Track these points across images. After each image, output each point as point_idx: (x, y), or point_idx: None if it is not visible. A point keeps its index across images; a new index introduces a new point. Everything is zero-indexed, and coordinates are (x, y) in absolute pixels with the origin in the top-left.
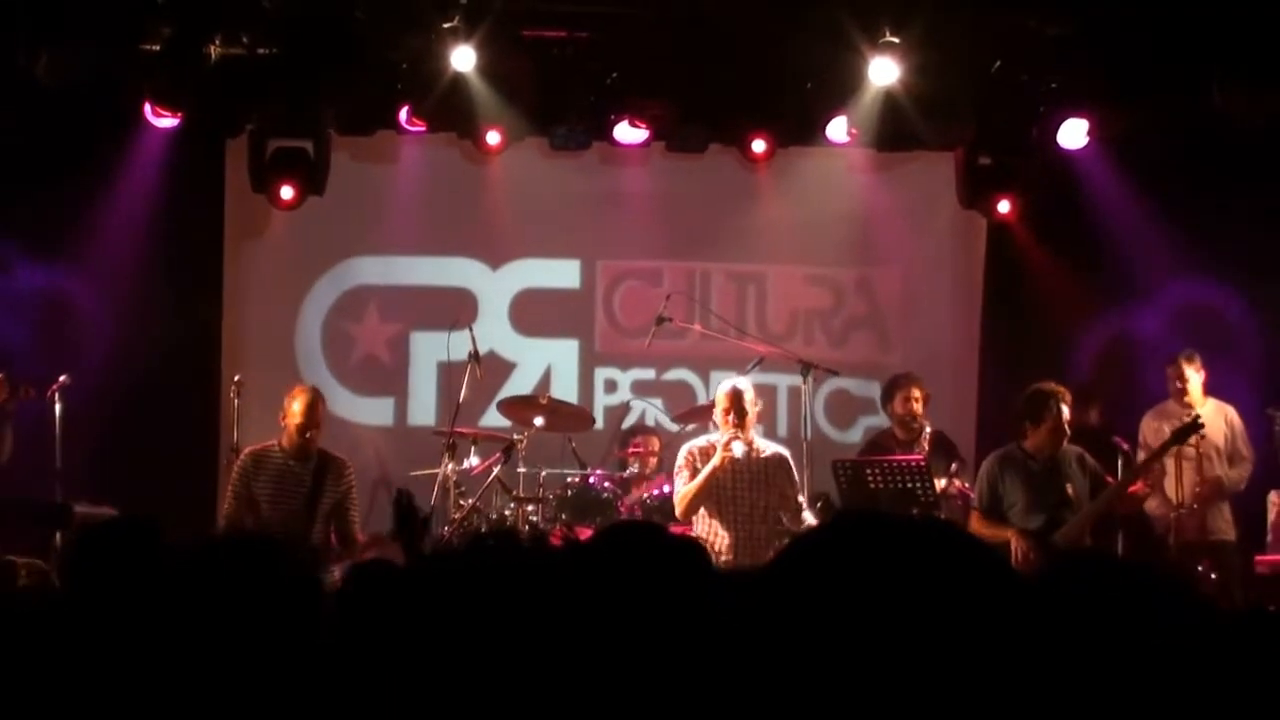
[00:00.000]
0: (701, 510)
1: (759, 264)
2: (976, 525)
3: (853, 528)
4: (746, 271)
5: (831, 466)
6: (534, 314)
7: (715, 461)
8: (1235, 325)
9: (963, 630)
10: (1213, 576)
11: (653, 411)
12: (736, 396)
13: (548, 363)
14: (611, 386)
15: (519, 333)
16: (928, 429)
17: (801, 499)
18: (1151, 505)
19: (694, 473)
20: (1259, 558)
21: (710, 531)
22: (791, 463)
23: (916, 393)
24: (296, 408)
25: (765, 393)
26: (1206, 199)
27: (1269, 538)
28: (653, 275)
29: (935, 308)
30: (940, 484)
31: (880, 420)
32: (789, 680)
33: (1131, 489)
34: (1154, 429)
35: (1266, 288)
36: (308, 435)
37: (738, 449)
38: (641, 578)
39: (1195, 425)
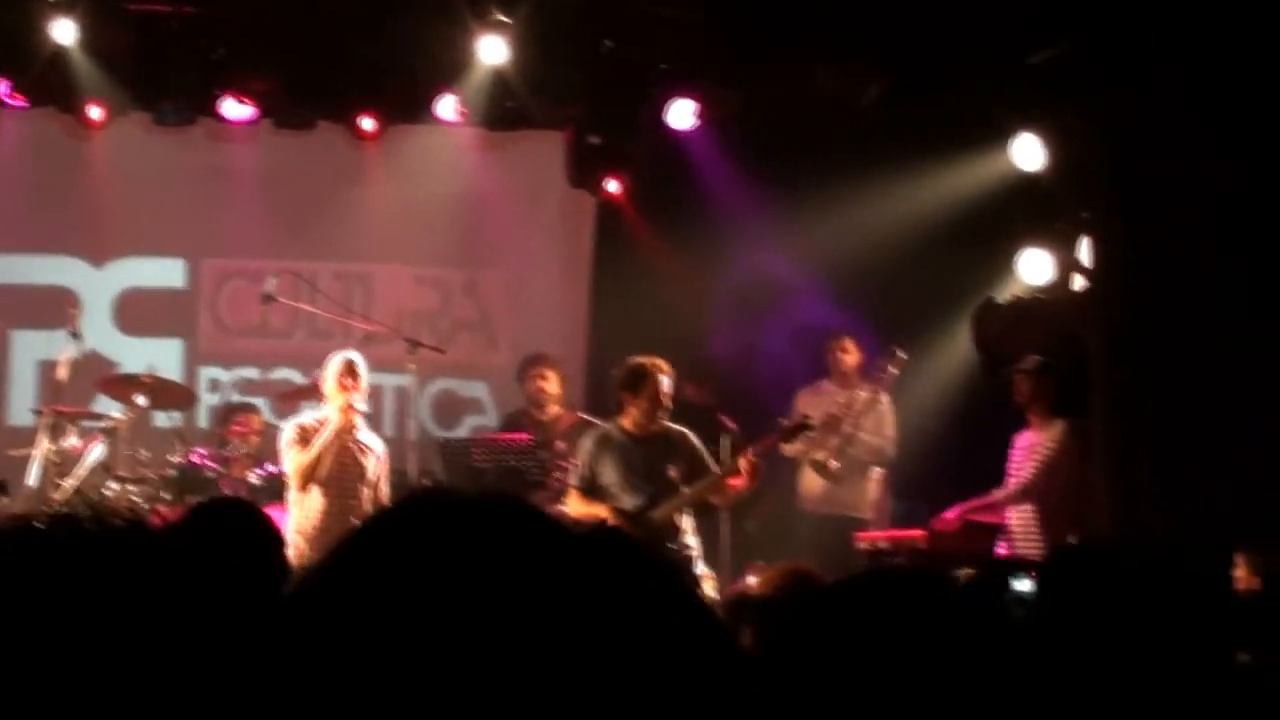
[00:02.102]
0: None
1: (366, 263)
2: (573, 503)
3: (416, 508)
4: (353, 271)
5: (438, 445)
6: (138, 313)
7: (337, 422)
8: (837, 306)
9: (524, 608)
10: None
11: (253, 377)
12: (350, 363)
13: (151, 362)
14: (215, 386)
15: (123, 332)
16: (578, 415)
17: (385, 491)
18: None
19: (306, 444)
20: (859, 534)
21: (309, 507)
22: (383, 455)
23: (546, 372)
24: None
25: (372, 394)
26: (811, 177)
27: (871, 515)
28: (258, 275)
29: (544, 291)
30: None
31: (486, 420)
32: (345, 666)
33: (733, 481)
34: (805, 406)
35: (862, 265)
36: None
37: (359, 404)
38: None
39: (803, 427)
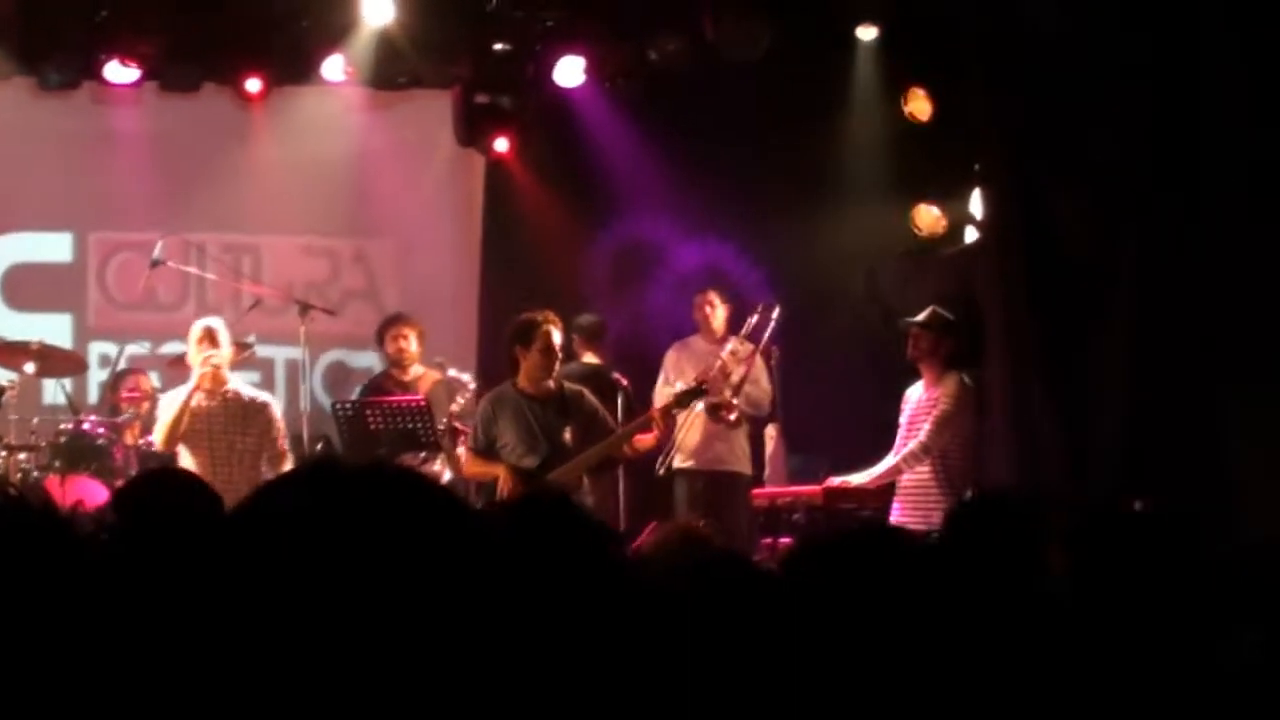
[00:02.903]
0: (183, 451)
1: (254, 234)
2: (469, 464)
3: (307, 476)
4: (241, 243)
5: (331, 409)
6: (26, 288)
7: (194, 380)
8: (728, 258)
9: (411, 573)
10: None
11: (143, 353)
12: (210, 329)
13: (40, 338)
14: (106, 361)
15: (10, 308)
16: (451, 373)
17: (284, 445)
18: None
19: None
20: (755, 491)
21: (187, 466)
22: (275, 410)
23: (406, 331)
24: None
25: (264, 366)
26: (702, 133)
27: (766, 471)
28: (146, 248)
29: (434, 255)
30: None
31: None
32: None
33: (638, 438)
34: (676, 362)
35: (753, 222)
36: None
37: (215, 360)
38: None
39: (697, 392)
